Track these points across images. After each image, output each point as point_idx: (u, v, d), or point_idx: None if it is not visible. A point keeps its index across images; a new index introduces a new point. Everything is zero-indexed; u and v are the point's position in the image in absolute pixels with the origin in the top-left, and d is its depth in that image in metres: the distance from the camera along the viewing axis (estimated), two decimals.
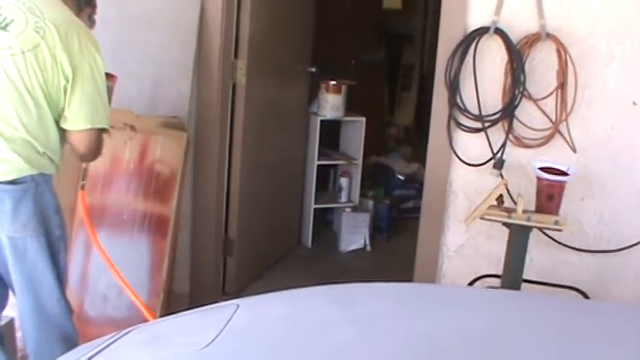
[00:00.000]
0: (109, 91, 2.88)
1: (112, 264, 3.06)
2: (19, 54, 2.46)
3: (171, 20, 3.87)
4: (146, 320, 2.99)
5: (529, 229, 3.05)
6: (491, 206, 3.06)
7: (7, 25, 2.49)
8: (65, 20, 2.57)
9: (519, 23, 3.32)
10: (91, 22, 2.88)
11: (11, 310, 2.88)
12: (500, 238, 3.32)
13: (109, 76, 2.86)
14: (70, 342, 2.69)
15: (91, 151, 2.70)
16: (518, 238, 3.07)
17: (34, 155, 2.53)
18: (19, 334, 3.27)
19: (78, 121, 2.59)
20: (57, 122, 2.58)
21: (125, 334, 1.85)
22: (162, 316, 3.40)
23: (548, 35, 3.27)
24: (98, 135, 2.68)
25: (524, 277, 3.12)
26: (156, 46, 3.87)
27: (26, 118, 2.48)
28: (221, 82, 3.99)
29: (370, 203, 5.78)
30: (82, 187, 3.09)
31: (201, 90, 3.96)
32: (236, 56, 4.16)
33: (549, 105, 3.34)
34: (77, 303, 3.43)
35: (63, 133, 2.62)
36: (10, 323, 3.30)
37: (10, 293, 2.74)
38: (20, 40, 2.47)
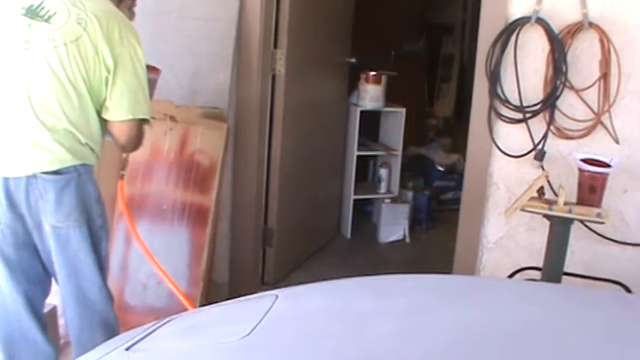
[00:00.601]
0: (153, 83, 2.91)
1: (150, 254, 3.09)
2: (62, 46, 2.49)
3: (210, 11, 3.88)
4: (185, 309, 3.01)
5: (570, 221, 3.02)
6: (532, 198, 3.03)
7: (49, 17, 2.52)
8: (106, 12, 2.60)
9: (561, 12, 3.28)
10: (130, 14, 2.91)
11: (53, 298, 2.92)
12: (540, 230, 3.29)
13: (153, 69, 2.88)
14: (111, 330, 2.73)
15: (132, 141, 2.72)
16: (559, 231, 3.04)
17: (77, 145, 2.56)
18: (61, 321, 3.32)
19: (119, 111, 2.61)
20: (98, 113, 2.61)
21: (165, 323, 1.87)
22: (201, 305, 3.43)
23: (591, 24, 3.23)
24: (139, 126, 2.70)
25: (565, 269, 3.09)
26: (195, 37, 3.88)
27: (68, 108, 2.51)
28: (260, 73, 4.00)
29: (410, 194, 5.76)
30: (122, 177, 3.12)
31: (241, 80, 3.97)
32: (275, 46, 4.16)
33: (592, 95, 3.30)
34: (118, 292, 3.46)
35: (104, 123, 2.65)
36: (53, 311, 3.35)
37: (53, 281, 2.78)
38: (63, 32, 2.50)
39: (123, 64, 2.57)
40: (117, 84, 2.57)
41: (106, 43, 2.53)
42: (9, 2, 2.57)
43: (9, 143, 2.51)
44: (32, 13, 2.53)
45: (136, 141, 2.74)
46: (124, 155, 3.09)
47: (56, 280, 2.72)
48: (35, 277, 2.71)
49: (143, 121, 2.71)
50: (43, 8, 2.54)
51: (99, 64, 2.53)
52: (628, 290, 3.17)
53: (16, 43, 2.48)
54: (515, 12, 3.36)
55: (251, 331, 1.59)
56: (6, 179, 2.51)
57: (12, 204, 2.54)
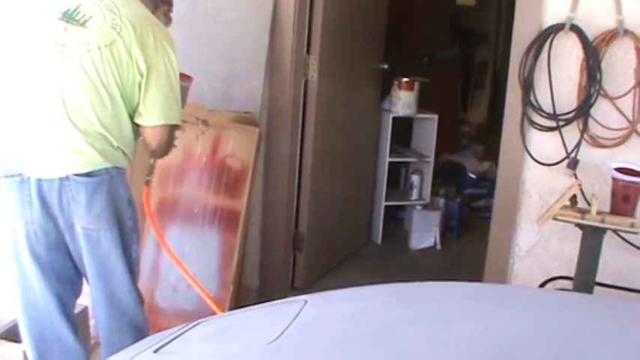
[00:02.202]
0: (185, 91, 2.93)
1: (177, 259, 3.08)
2: (96, 50, 2.51)
3: (243, 16, 3.90)
4: (214, 313, 3.02)
5: (603, 231, 2.99)
6: (565, 207, 3.01)
7: (85, 21, 2.55)
8: (141, 18, 2.62)
9: (596, 19, 3.26)
10: (166, 20, 2.93)
11: (85, 299, 2.95)
12: (573, 240, 3.26)
13: (185, 77, 2.90)
14: (141, 331, 2.75)
15: (162, 146, 2.74)
16: (591, 240, 3.01)
17: (109, 149, 2.58)
18: (92, 322, 3.35)
19: (151, 117, 2.64)
20: (131, 117, 2.64)
21: (194, 327, 1.87)
22: (231, 309, 3.44)
23: (626, 32, 3.20)
24: (170, 131, 2.72)
25: (598, 280, 3.06)
26: (228, 42, 3.90)
27: (101, 112, 2.54)
28: (293, 78, 4.01)
29: (441, 201, 5.74)
30: (147, 183, 3.11)
31: (274, 85, 3.99)
32: (308, 52, 4.17)
33: (626, 104, 3.27)
34: (148, 294, 3.48)
35: (136, 128, 2.67)
36: (84, 311, 3.38)
37: (84, 282, 2.81)
38: (97, 36, 2.53)
39: (156, 69, 2.60)
40: (150, 90, 2.60)
41: (140, 48, 2.55)
42: (44, 6, 2.60)
43: (41, 145, 2.53)
44: (68, 17, 2.56)
45: (166, 146, 2.77)
46: (151, 161, 3.10)
47: (87, 280, 2.75)
48: (66, 277, 2.74)
49: (174, 126, 2.73)
50: (79, 12, 2.57)
51: (132, 68, 2.55)
52: None
53: (51, 47, 2.51)
54: (549, 19, 3.34)
55: (279, 336, 1.59)
56: (39, 181, 2.54)
57: (44, 205, 2.57)
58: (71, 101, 2.51)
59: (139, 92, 2.60)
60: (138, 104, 2.62)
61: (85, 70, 2.51)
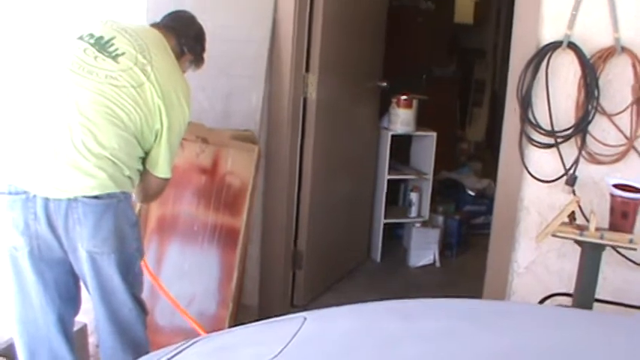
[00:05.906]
0: None
1: (173, 299, 3.19)
2: (123, 87, 2.60)
3: (243, 34, 3.91)
4: (212, 331, 3.03)
5: (602, 247, 2.99)
6: (563, 223, 3.02)
7: (117, 56, 2.65)
8: (169, 73, 2.76)
9: (593, 37, 3.27)
10: (192, 67, 3.11)
11: (83, 316, 2.94)
12: (571, 256, 3.27)
13: None
14: (141, 349, 2.75)
15: (158, 194, 2.97)
16: (590, 257, 3.01)
17: (119, 175, 2.63)
18: (90, 340, 3.35)
19: (158, 167, 2.79)
20: (143, 157, 2.75)
21: (193, 344, 1.87)
22: (231, 327, 3.43)
23: (624, 49, 3.22)
24: (166, 182, 2.89)
25: (597, 296, 3.06)
26: (228, 59, 3.91)
27: (117, 142, 2.59)
28: (292, 96, 4.02)
29: (440, 219, 5.73)
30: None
31: (273, 103, 4.00)
32: (307, 70, 4.18)
33: (624, 120, 3.28)
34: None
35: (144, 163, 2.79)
36: (83, 329, 3.37)
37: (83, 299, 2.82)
38: (127, 75, 2.62)
39: (171, 126, 2.72)
40: (162, 142, 2.73)
41: (163, 102, 2.67)
42: (74, 26, 2.70)
43: (51, 165, 2.54)
44: (100, 46, 2.65)
45: (159, 194, 2.98)
46: None
47: (91, 298, 2.75)
48: (67, 294, 2.75)
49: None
50: (112, 45, 2.66)
51: (155, 116, 2.67)
52: None
53: (76, 70, 2.60)
54: (547, 36, 3.36)
55: (279, 353, 1.59)
56: (46, 200, 2.55)
57: (50, 224, 2.57)
58: (88, 125, 2.55)
59: (155, 139, 2.71)
60: (150, 150, 2.74)
61: (109, 102, 2.58)
